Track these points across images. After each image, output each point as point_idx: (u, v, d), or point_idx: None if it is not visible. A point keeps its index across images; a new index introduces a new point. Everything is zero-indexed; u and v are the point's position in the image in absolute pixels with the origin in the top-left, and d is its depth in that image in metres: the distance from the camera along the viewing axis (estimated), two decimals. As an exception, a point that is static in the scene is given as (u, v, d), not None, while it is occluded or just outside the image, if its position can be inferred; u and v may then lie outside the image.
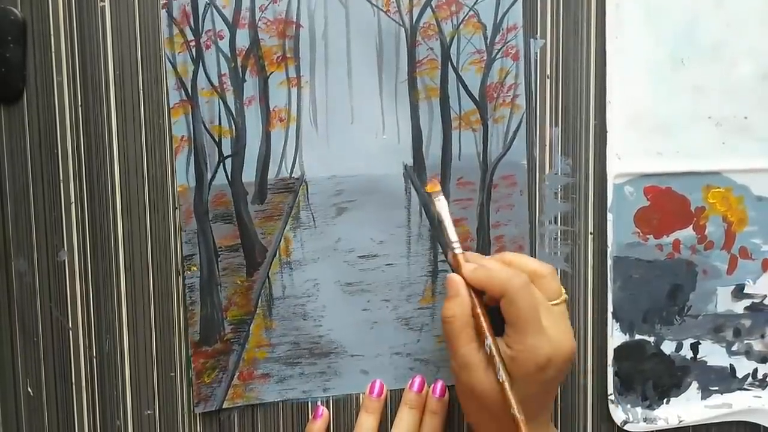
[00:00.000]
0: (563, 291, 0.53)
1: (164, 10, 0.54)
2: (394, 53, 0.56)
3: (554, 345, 0.49)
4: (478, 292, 0.51)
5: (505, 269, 0.51)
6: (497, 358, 0.50)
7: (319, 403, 0.58)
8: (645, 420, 0.59)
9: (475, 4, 0.56)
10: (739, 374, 0.60)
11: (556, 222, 0.58)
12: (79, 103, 0.55)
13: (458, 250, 0.53)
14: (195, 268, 0.56)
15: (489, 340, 0.50)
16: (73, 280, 0.56)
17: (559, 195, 0.58)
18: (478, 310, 0.51)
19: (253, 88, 0.55)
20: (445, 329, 0.52)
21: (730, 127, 0.59)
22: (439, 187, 0.55)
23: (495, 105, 0.57)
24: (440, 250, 0.58)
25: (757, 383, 0.60)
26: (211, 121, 0.55)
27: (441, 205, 0.55)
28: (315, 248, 0.57)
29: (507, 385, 0.49)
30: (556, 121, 0.58)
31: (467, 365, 0.50)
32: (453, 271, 0.53)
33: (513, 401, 0.48)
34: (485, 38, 0.56)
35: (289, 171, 0.56)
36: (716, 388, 0.60)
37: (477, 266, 0.52)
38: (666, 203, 0.59)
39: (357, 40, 0.56)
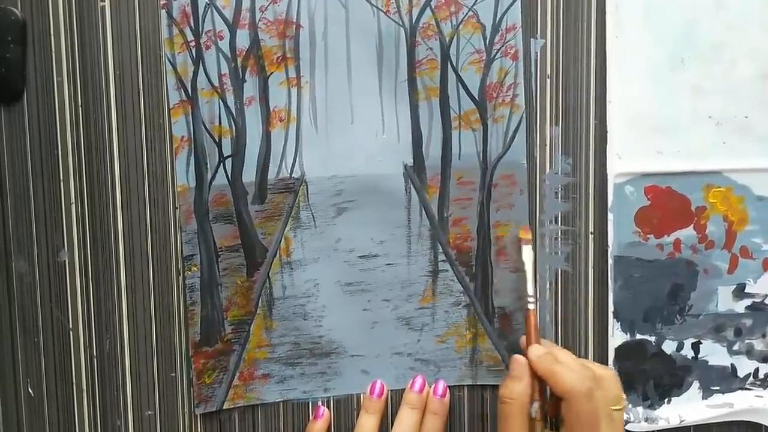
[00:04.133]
0: (624, 397, 0.53)
1: (164, 10, 0.54)
2: (393, 53, 0.56)
3: None
4: (540, 378, 0.52)
5: (570, 372, 0.50)
6: None
7: (319, 403, 0.58)
8: (646, 420, 0.59)
9: (474, 4, 0.56)
10: (741, 374, 0.60)
11: (556, 222, 0.58)
12: (79, 103, 0.55)
13: (531, 306, 0.54)
14: (195, 268, 0.56)
15: None
16: (73, 280, 0.56)
17: (560, 195, 0.58)
18: (536, 396, 0.51)
19: (253, 88, 0.55)
20: (501, 408, 0.52)
21: (730, 127, 0.59)
22: (530, 236, 0.56)
23: (495, 105, 0.57)
24: (440, 250, 0.58)
25: (758, 383, 0.60)
26: (211, 121, 0.55)
27: (527, 254, 0.56)
28: (315, 248, 0.57)
29: None
30: (556, 120, 0.58)
31: None
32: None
33: None
34: (484, 38, 0.56)
35: (289, 171, 0.56)
36: (717, 387, 0.60)
37: (545, 353, 0.52)
38: (666, 203, 0.58)
39: (357, 41, 0.56)
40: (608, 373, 0.52)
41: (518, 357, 0.53)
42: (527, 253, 0.56)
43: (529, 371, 0.52)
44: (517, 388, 0.51)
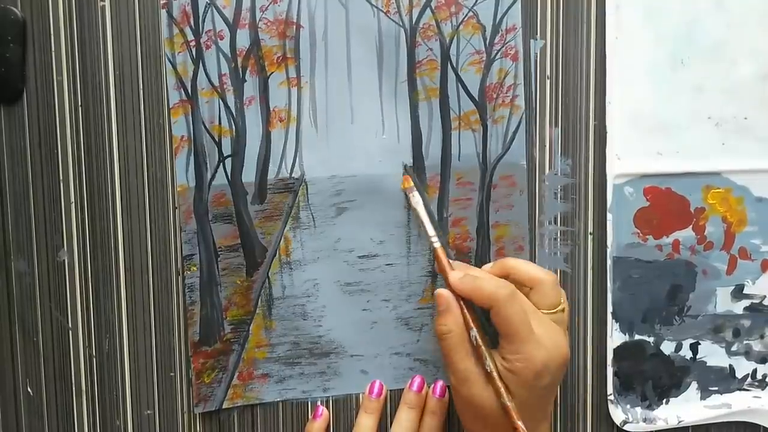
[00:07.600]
0: (562, 299, 0.53)
1: (164, 10, 0.54)
2: (393, 54, 0.56)
3: (549, 351, 0.50)
4: (468, 302, 0.51)
5: (490, 279, 0.51)
6: (496, 376, 0.50)
7: (318, 403, 0.58)
8: (644, 420, 0.59)
9: (474, 5, 0.56)
10: (739, 374, 0.60)
11: (555, 222, 0.58)
12: (79, 103, 0.55)
13: (437, 244, 0.54)
14: (195, 268, 0.56)
15: (487, 360, 0.50)
16: (73, 280, 0.56)
17: (559, 195, 0.58)
18: (471, 323, 0.51)
19: (253, 88, 0.55)
20: (442, 345, 0.51)
21: (730, 128, 0.59)
22: (411, 184, 0.56)
23: (494, 105, 0.57)
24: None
25: (756, 383, 0.60)
26: (211, 121, 0.55)
27: (416, 200, 0.56)
28: (315, 248, 0.57)
29: (507, 400, 0.49)
30: (556, 121, 0.58)
31: (467, 380, 0.50)
32: (438, 272, 0.55)
33: (515, 416, 0.49)
34: (484, 39, 0.56)
35: (289, 171, 0.56)
36: (716, 388, 0.60)
37: (464, 275, 0.52)
38: (666, 204, 0.59)
39: (357, 41, 0.56)
40: (547, 279, 0.53)
41: (441, 290, 0.52)
42: (416, 199, 0.56)
43: (455, 301, 0.52)
44: (450, 320, 0.51)
